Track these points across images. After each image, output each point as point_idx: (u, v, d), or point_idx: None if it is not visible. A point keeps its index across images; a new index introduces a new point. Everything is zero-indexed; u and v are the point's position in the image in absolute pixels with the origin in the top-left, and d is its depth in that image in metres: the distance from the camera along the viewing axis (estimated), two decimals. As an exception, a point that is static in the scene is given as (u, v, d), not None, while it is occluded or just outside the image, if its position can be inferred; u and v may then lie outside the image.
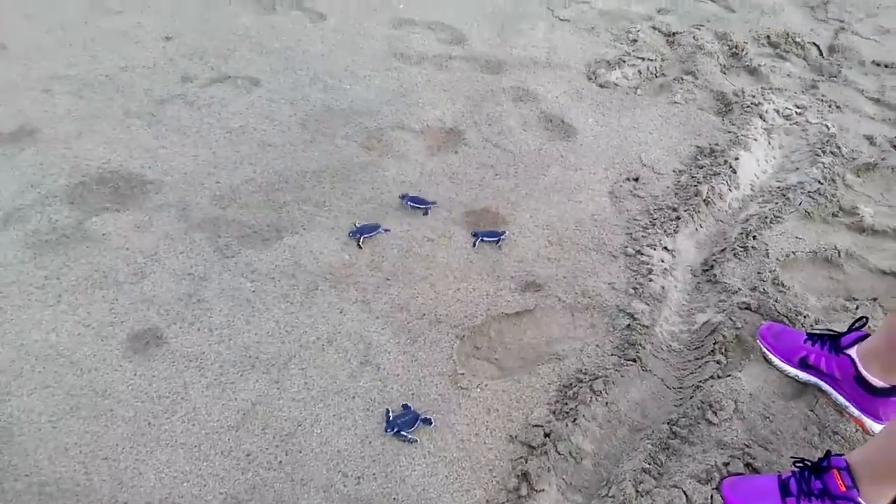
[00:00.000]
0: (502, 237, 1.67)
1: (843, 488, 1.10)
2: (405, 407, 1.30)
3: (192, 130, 1.95)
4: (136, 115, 1.98)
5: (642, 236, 1.69)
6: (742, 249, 1.63)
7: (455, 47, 2.41)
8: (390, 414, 1.29)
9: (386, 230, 1.67)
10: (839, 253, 1.62)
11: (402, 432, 1.25)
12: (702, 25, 2.59)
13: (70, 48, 2.25)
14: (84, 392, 1.30)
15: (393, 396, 1.33)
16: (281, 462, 1.22)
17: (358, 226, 1.66)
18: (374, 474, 1.21)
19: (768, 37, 2.55)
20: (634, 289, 1.56)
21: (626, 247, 1.67)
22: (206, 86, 2.13)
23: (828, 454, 1.13)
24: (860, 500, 1.09)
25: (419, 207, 1.74)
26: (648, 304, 1.52)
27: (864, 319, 1.30)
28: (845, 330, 1.31)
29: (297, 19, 2.51)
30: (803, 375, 1.35)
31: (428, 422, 1.28)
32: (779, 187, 1.87)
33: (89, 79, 2.12)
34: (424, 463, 1.23)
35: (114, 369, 1.34)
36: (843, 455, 1.12)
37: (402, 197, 1.75)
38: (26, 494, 1.15)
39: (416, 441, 1.25)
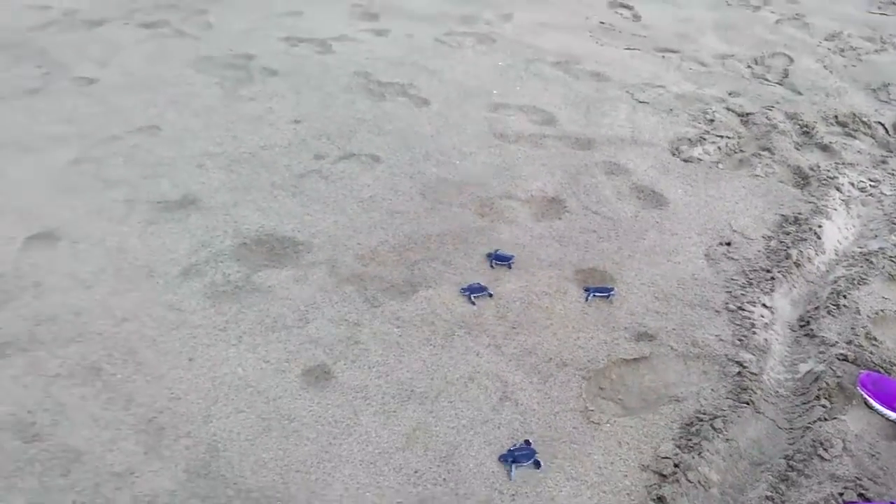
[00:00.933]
0: (612, 293, 1.88)
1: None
2: (526, 443, 1.49)
3: (330, 200, 2.24)
4: (281, 187, 2.29)
5: (741, 294, 1.88)
6: (834, 307, 1.81)
7: (547, 127, 2.69)
8: (514, 445, 1.48)
9: (490, 294, 1.88)
10: (925, 310, 1.78)
11: (515, 464, 1.43)
12: (772, 106, 2.84)
13: (215, 130, 2.60)
14: (273, 416, 1.53)
15: (532, 428, 1.53)
16: (444, 479, 1.42)
17: (467, 286, 1.89)
18: (525, 493, 1.40)
19: (836, 116, 2.78)
20: (740, 340, 1.74)
21: (728, 303, 1.86)
22: (335, 162, 2.44)
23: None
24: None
25: (503, 263, 1.98)
26: (754, 355, 1.70)
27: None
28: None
29: (404, 105, 2.84)
30: (904, 418, 1.50)
31: (538, 465, 1.45)
32: (861, 252, 2.05)
33: (235, 155, 2.45)
34: (569, 486, 1.41)
35: (294, 398, 1.58)
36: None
37: (489, 256, 1.99)
38: (236, 499, 1.37)
39: (514, 480, 1.41)
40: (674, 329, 1.78)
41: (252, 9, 3.55)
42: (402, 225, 2.15)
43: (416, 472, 1.43)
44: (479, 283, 1.90)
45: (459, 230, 2.13)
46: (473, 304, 1.85)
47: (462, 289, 1.88)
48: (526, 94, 2.92)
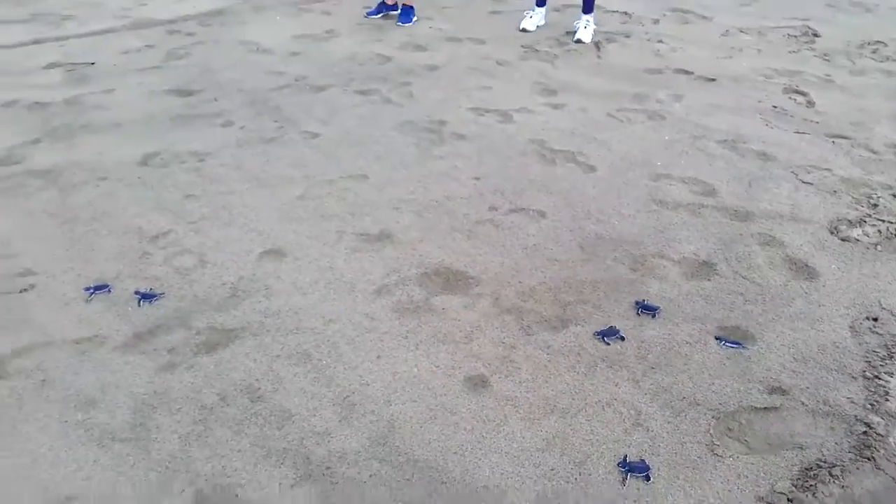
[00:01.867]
0: (742, 346, 2.03)
1: None
2: (642, 461, 1.69)
3: (499, 244, 2.61)
4: (459, 231, 2.70)
5: (880, 365, 1.95)
6: (983, 388, 1.83)
7: (706, 198, 2.89)
8: (627, 458, 1.69)
9: (622, 338, 2.11)
10: None
11: (631, 473, 1.65)
12: (947, 195, 2.81)
13: (410, 181, 3.09)
14: (438, 408, 1.88)
15: (659, 451, 1.73)
16: (576, 479, 1.67)
17: (600, 329, 2.13)
18: (647, 502, 1.60)
19: None
20: (871, 405, 1.82)
21: (865, 371, 1.94)
22: (506, 214, 2.81)
23: None
24: None
25: (648, 313, 2.18)
26: (884, 419, 1.77)
27: None
28: None
29: (572, 169, 3.17)
30: None
31: (648, 479, 1.64)
32: None
33: (424, 202, 2.91)
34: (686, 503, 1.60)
35: (457, 397, 1.91)
36: None
37: (636, 304, 2.22)
38: (406, 465, 1.71)
39: (627, 487, 1.63)
40: (807, 387, 1.90)
41: (448, 84, 4.11)
42: (560, 271, 2.45)
43: (552, 469, 1.69)
44: (613, 327, 2.14)
45: (611, 280, 2.39)
46: (608, 344, 2.09)
47: (595, 332, 2.13)
48: (689, 167, 3.14)
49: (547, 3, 5.02)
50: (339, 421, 1.85)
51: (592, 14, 4.77)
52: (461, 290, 2.37)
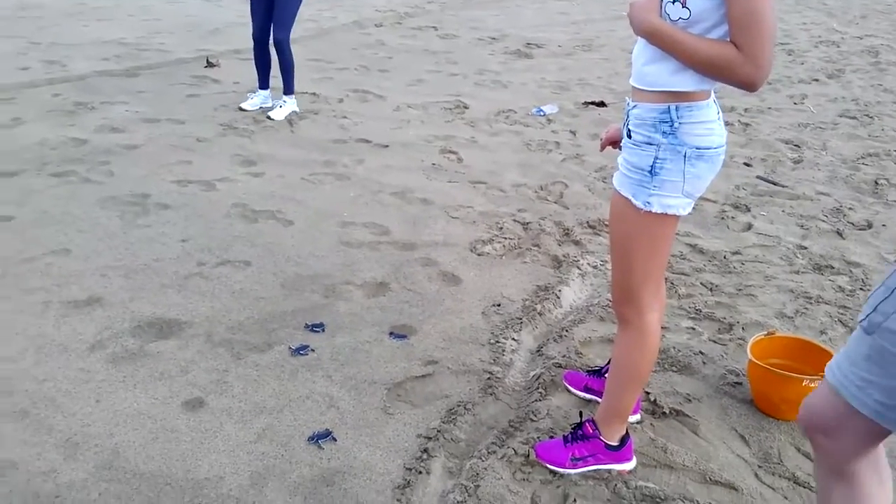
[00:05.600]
0: (407, 338, 2.67)
1: (591, 431, 2.05)
2: (327, 430, 2.19)
3: (209, 293, 2.96)
4: (170, 286, 2.99)
5: (500, 334, 2.73)
6: (559, 337, 2.68)
7: (383, 237, 3.58)
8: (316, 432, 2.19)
9: (312, 350, 2.64)
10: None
11: (320, 440, 2.13)
12: (546, 217, 3.88)
13: (116, 250, 3.28)
14: (159, 430, 2.16)
15: (348, 422, 2.23)
16: (283, 455, 2.09)
17: (297, 346, 2.64)
18: (338, 457, 2.09)
19: (588, 222, 3.84)
20: (493, 360, 2.56)
21: (490, 339, 2.70)
22: (214, 267, 3.18)
23: (584, 416, 2.09)
24: (601, 438, 2.04)
25: (318, 329, 2.75)
26: (501, 367, 2.51)
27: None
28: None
29: (272, 225, 3.65)
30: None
31: (335, 439, 2.15)
32: (586, 305, 2.98)
33: (133, 267, 3.14)
34: (367, 450, 2.12)
35: (176, 419, 2.21)
36: (592, 415, 2.09)
37: (306, 325, 2.76)
38: (133, 479, 1.97)
39: (322, 450, 2.14)
40: (452, 357, 2.58)
41: (148, 161, 4.35)
42: (265, 306, 2.89)
43: (262, 453, 2.10)
44: (305, 345, 2.62)
45: (308, 307, 2.89)
46: (304, 355, 2.56)
47: (290, 348, 2.60)
48: (369, 214, 3.82)
49: (270, 87, 5.50)
50: (64, 459, 2.03)
51: (292, 95, 5.39)
52: (175, 335, 2.66)
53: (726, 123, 2.02)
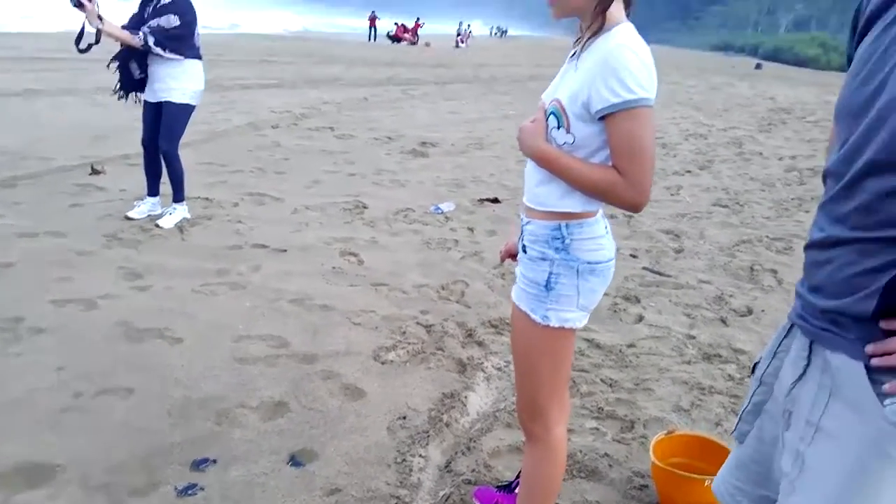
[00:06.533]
0: (306, 465, 2.52)
1: None
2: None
3: (85, 428, 2.70)
4: (42, 423, 2.71)
5: (406, 451, 2.62)
6: (467, 449, 2.61)
7: (281, 349, 3.43)
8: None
9: (202, 488, 2.45)
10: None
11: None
12: (448, 319, 3.88)
13: (-21, 383, 2.97)
14: None
15: (243, 570, 2.03)
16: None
17: (184, 485, 2.43)
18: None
19: (490, 321, 3.87)
20: (401, 482, 2.44)
21: (396, 458, 2.59)
22: (93, 397, 2.92)
23: None
24: None
25: (204, 465, 2.56)
26: (409, 490, 2.40)
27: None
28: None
29: (159, 345, 3.43)
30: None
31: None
32: (493, 411, 2.95)
33: (2, 402, 2.84)
34: None
35: None
36: None
37: (193, 462, 2.57)
38: None
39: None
40: (356, 483, 2.45)
41: (24, 281, 4.03)
42: (149, 440, 2.65)
43: None
44: (192, 483, 2.40)
45: (197, 438, 2.69)
46: (192, 495, 2.35)
47: (176, 488, 2.38)
48: (266, 326, 3.68)
49: (159, 195, 5.31)
50: None
51: (183, 203, 5.23)
52: (45, 482, 2.38)
53: (610, 217, 2.11)
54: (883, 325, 1.05)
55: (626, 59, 1.60)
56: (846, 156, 1.09)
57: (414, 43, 39.76)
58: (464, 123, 11.12)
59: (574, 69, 1.71)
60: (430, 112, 12.18)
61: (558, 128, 1.71)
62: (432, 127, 10.52)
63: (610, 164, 1.68)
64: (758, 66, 42.40)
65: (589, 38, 1.69)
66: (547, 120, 1.74)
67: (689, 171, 8.15)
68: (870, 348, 1.06)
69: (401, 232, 5.54)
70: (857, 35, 1.19)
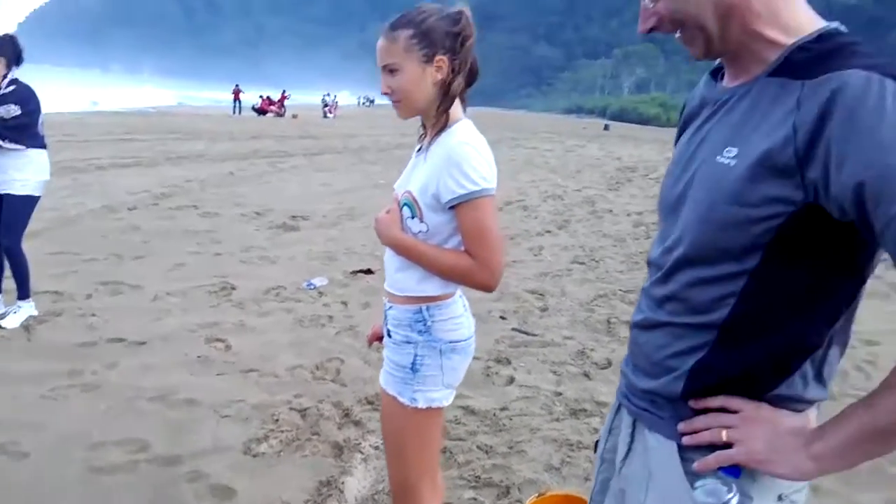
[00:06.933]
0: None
1: None
2: None
3: None
4: None
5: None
6: (344, 538, 2.56)
7: (141, 454, 3.21)
8: None
9: None
10: None
11: None
12: (324, 400, 3.82)
13: None
14: None
15: None
16: None
17: None
18: None
19: (367, 398, 3.86)
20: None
21: (270, 558, 2.48)
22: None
23: None
24: None
25: None
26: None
27: None
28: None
29: (2, 462, 3.10)
30: None
31: None
32: (371, 494, 2.91)
33: None
34: None
35: None
36: None
37: None
38: None
39: None
40: None
41: None
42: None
43: None
44: None
45: (46, 565, 2.44)
46: None
47: None
48: (125, 429, 3.44)
49: (2, 292, 4.85)
50: None
51: (28, 299, 4.83)
52: None
53: None
54: (692, 404, 1.15)
55: (467, 155, 1.76)
56: (664, 248, 1.20)
57: (281, 115, 39.72)
58: (335, 194, 11.19)
59: (423, 161, 1.84)
60: (300, 185, 12.15)
61: (412, 217, 1.83)
62: (303, 199, 10.49)
63: (463, 248, 1.80)
64: (606, 128, 46.31)
65: (433, 136, 1.83)
66: (401, 210, 1.85)
67: (548, 231, 8.66)
68: (681, 426, 1.15)
69: (272, 311, 5.43)
70: (678, 133, 1.30)
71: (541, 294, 6.00)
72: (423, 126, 1.93)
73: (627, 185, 13.77)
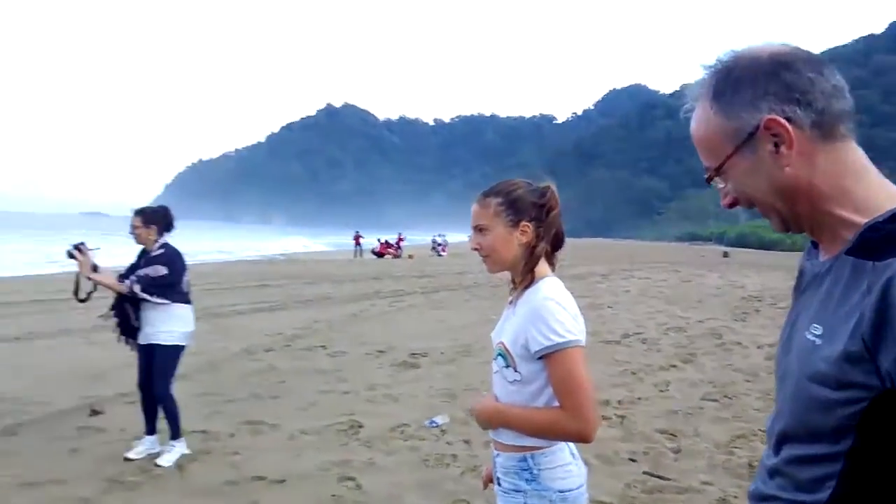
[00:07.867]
0: None
1: None
2: None
3: None
4: None
5: None
6: None
7: None
8: None
9: None
10: None
11: None
12: None
13: None
14: None
15: None
16: None
17: None
18: None
19: None
20: None
21: None
22: None
23: None
24: None
25: None
26: None
27: None
28: None
29: None
30: None
31: None
32: None
33: None
34: None
35: None
36: None
37: None
38: None
39: None
40: None
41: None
42: None
43: None
44: None
45: None
46: None
47: None
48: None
49: (157, 432, 5.32)
50: None
51: (180, 440, 5.25)
52: None
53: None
54: None
55: (552, 309, 1.91)
56: (774, 416, 1.20)
57: (398, 256, 41.81)
58: (450, 331, 11.47)
59: (513, 314, 2.02)
60: (418, 322, 12.59)
61: (507, 367, 1.97)
62: (421, 337, 10.83)
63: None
64: (725, 255, 44.73)
65: (521, 291, 2.01)
66: (495, 360, 2.00)
67: (673, 366, 8.37)
68: None
69: (398, 450, 5.55)
70: (793, 291, 1.28)
71: (672, 434, 5.75)
72: (513, 281, 2.12)
73: (755, 315, 13.14)
